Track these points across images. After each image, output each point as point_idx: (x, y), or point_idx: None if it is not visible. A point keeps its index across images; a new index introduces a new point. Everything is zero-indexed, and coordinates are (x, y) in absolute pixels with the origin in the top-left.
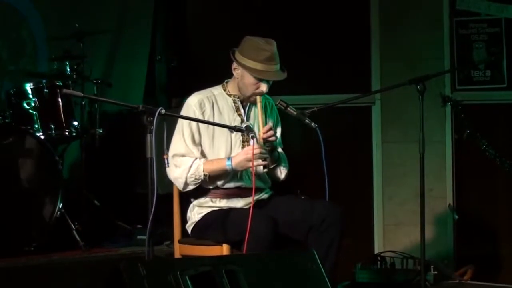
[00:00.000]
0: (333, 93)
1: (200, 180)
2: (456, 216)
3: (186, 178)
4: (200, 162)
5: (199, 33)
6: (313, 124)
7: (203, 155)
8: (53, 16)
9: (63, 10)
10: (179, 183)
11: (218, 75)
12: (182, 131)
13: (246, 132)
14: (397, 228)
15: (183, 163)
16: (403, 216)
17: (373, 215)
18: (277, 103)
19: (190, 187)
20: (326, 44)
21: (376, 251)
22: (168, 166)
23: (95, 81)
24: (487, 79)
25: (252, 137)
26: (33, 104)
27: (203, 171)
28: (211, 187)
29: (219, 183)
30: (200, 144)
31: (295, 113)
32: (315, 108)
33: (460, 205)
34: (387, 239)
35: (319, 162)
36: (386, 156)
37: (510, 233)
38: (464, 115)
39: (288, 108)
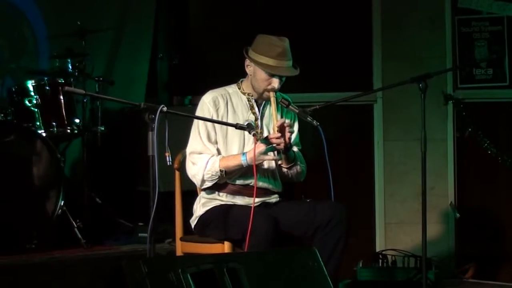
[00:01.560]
0: (334, 91)
1: (217, 177)
2: (458, 215)
3: (203, 175)
4: (216, 159)
5: (201, 31)
6: (314, 122)
7: (219, 152)
8: (54, 13)
9: (65, 8)
10: (196, 180)
11: (220, 72)
12: (198, 129)
13: (247, 129)
14: (399, 226)
15: (200, 160)
16: (405, 215)
17: (374, 213)
18: (279, 101)
19: (207, 184)
20: (328, 43)
21: (377, 249)
22: (169, 164)
23: (96, 79)
24: (489, 78)
25: (254, 135)
26: (34, 102)
27: (219, 167)
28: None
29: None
30: (216, 142)
31: (297, 110)
32: (317, 106)
33: (462, 203)
34: (389, 237)
35: (321, 160)
36: (388, 154)
37: (511, 231)
38: (466, 113)
39: (290, 106)
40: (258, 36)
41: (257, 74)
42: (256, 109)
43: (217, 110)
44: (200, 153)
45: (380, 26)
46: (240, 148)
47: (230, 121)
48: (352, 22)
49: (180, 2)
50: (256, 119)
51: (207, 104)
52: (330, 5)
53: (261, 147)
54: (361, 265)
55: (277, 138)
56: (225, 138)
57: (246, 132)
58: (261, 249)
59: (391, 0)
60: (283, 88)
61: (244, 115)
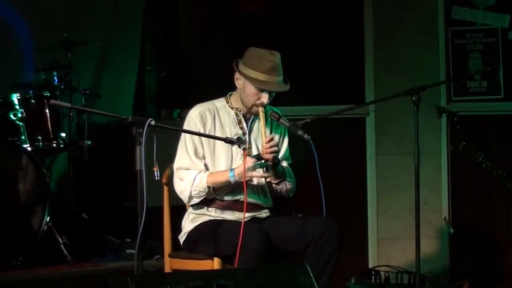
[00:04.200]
0: (326, 104)
1: (205, 193)
2: (452, 230)
3: (191, 191)
4: (204, 175)
5: (189, 42)
6: (306, 136)
7: (206, 167)
8: (40, 25)
9: (51, 20)
10: (184, 197)
11: (210, 85)
12: (185, 144)
13: (237, 143)
14: (392, 242)
15: (187, 177)
16: (398, 230)
17: (367, 229)
18: (269, 114)
19: (195, 200)
20: (319, 54)
21: (370, 266)
22: (157, 179)
23: (83, 92)
24: (483, 90)
25: (244, 149)
26: (20, 115)
27: (207, 183)
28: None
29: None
30: (204, 157)
31: (288, 124)
32: (308, 119)
33: (456, 218)
34: (382, 253)
35: (312, 175)
36: (380, 169)
37: (506, 246)
38: (460, 126)
39: (280, 120)
40: (249, 49)
41: (246, 88)
42: (244, 124)
43: (204, 125)
44: (188, 169)
45: (372, 38)
46: (228, 164)
47: (218, 136)
48: (343, 34)
49: (168, 14)
50: (244, 134)
51: (194, 118)
52: (321, 16)
53: (251, 162)
54: (353, 282)
55: (266, 154)
56: (212, 153)
57: (234, 148)
58: (253, 264)
59: (383, 11)
60: (273, 101)
61: (231, 130)
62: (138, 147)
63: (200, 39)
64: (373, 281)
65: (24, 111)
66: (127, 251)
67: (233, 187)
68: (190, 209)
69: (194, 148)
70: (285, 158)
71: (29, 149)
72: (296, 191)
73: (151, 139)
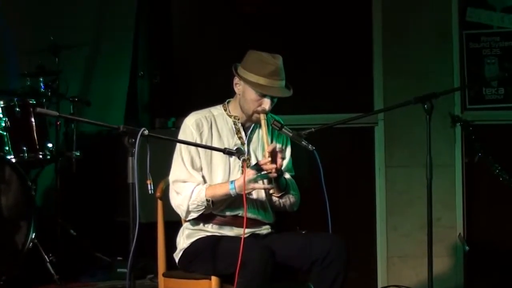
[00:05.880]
0: (332, 113)
1: (203, 207)
2: (467, 248)
3: (188, 206)
4: (202, 188)
5: (185, 46)
6: (310, 147)
7: (204, 179)
8: (25, 28)
9: (37, 22)
10: (181, 211)
11: (207, 91)
12: (181, 155)
13: (237, 155)
14: (403, 260)
15: (185, 190)
16: (409, 248)
17: (376, 246)
18: (270, 123)
19: (193, 215)
20: (325, 59)
21: (379, 286)
22: (151, 192)
23: (71, 99)
24: (500, 97)
25: (244, 161)
26: (3, 125)
27: (205, 196)
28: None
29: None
30: (201, 168)
31: (291, 134)
32: (313, 129)
33: (471, 235)
34: (392, 272)
35: (317, 188)
36: (390, 182)
37: None
38: (475, 136)
39: (283, 129)
40: (249, 52)
41: (246, 94)
42: (243, 133)
43: (200, 134)
44: (185, 182)
45: (381, 41)
46: (225, 176)
47: (215, 146)
48: (350, 36)
49: (162, 15)
50: (242, 144)
51: (189, 127)
52: (326, 17)
53: (251, 174)
54: None
55: (269, 164)
56: (209, 164)
57: (232, 159)
58: (255, 285)
59: (393, 13)
60: (275, 109)
61: (229, 140)
62: (130, 158)
63: (196, 42)
64: None
65: (8, 120)
66: (118, 270)
67: (232, 201)
68: (185, 225)
69: (190, 159)
70: (287, 170)
71: (13, 160)
72: (300, 205)
73: (144, 150)
